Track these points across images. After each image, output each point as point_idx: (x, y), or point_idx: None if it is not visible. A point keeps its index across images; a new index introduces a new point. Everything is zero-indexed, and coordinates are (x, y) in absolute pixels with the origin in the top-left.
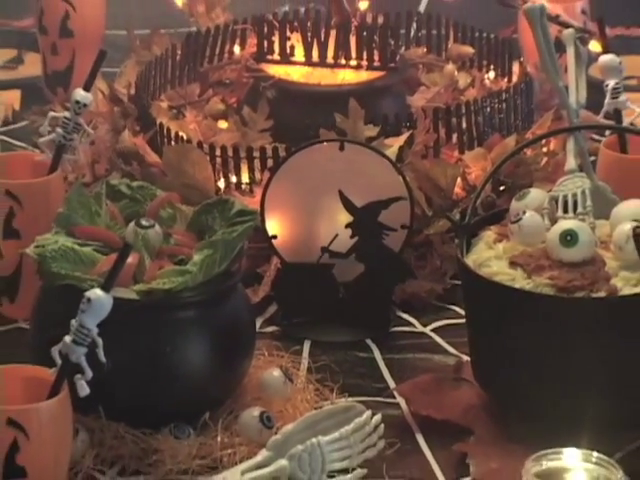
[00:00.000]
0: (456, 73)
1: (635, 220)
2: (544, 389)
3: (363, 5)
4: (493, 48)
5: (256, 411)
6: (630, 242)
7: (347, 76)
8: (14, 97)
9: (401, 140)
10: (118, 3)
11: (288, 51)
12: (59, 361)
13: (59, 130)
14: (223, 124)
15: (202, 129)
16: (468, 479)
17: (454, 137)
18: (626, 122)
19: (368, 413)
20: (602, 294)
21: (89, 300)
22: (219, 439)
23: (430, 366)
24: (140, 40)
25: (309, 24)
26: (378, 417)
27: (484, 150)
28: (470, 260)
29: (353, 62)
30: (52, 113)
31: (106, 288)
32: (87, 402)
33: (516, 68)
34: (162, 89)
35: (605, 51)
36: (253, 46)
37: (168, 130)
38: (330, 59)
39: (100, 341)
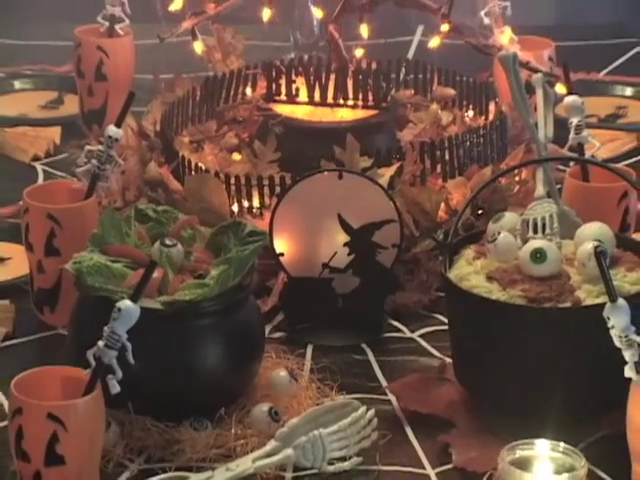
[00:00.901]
0: (440, 112)
1: (596, 240)
2: (517, 387)
3: (359, 53)
4: (472, 90)
5: (265, 406)
6: (592, 259)
7: (345, 114)
8: (55, 133)
9: (392, 170)
10: (145, 51)
11: (293, 92)
12: (93, 363)
13: (94, 161)
14: (237, 156)
15: (218, 161)
16: (450, 466)
17: (438, 167)
18: (587, 154)
19: (363, 408)
20: (568, 304)
21: (120, 310)
22: (233, 431)
23: (417, 367)
24: (165, 83)
25: (312, 69)
26: (372, 412)
27: (464, 179)
28: (452, 275)
29: (350, 102)
30: (88, 147)
31: (134, 299)
32: (117, 398)
33: (492, 107)
34: (184, 126)
35: (569, 93)
36: (263, 88)
37: (189, 161)
38: (330, 99)
39: (129, 345)
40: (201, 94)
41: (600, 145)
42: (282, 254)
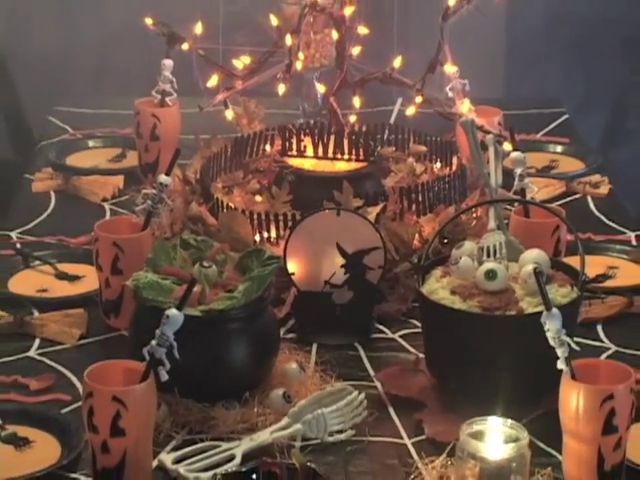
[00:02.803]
0: (414, 164)
1: (535, 263)
2: (475, 376)
3: (352, 118)
4: (439, 147)
5: (280, 391)
6: (532, 277)
7: (342, 166)
8: (119, 180)
9: (378, 209)
10: (189, 117)
11: (302, 149)
12: (147, 357)
13: (149, 202)
14: (259, 198)
15: (244, 201)
16: (423, 437)
17: (413, 207)
18: (528, 197)
19: (356, 393)
20: (513, 313)
21: (168, 316)
22: (255, 410)
23: (397, 361)
24: (203, 142)
25: (316, 131)
26: (362, 395)
27: (433, 215)
28: (424, 289)
29: (346, 156)
30: (144, 191)
31: (179, 308)
32: (166, 384)
33: (455, 161)
34: (218, 175)
35: (514, 149)
36: (279, 146)
37: (222, 202)
38: (330, 154)
39: (175, 344)
40: (231, 150)
41: (538, 190)
42: (293, 273)
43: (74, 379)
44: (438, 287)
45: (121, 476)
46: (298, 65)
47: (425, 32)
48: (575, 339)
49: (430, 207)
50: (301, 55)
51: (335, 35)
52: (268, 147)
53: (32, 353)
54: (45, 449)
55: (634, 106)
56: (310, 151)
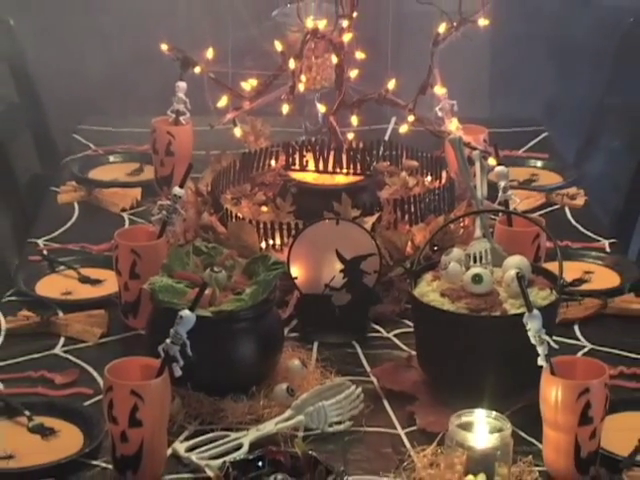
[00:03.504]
0: (407, 177)
1: (517, 268)
2: (462, 372)
3: (350, 136)
4: (430, 162)
5: (284, 385)
6: (514, 281)
7: (340, 179)
8: (137, 193)
9: (374, 218)
10: (200, 134)
11: (304, 164)
12: (162, 354)
13: (164, 212)
14: (264, 209)
15: (251, 212)
16: (415, 428)
17: (406, 217)
18: (511, 208)
19: (353, 387)
20: (498, 313)
21: (181, 317)
22: (261, 403)
23: (391, 357)
24: (214, 157)
25: (317, 147)
26: (359, 389)
27: (424, 225)
28: (416, 292)
29: (344, 170)
30: (160, 202)
31: (192, 309)
32: (179, 379)
33: (444, 174)
34: (227, 187)
35: (498, 164)
36: (283, 161)
37: (231, 212)
38: (330, 169)
39: (187, 342)
40: (239, 165)
41: (519, 201)
42: (296, 277)
43: (95, 374)
44: (429, 290)
45: (138, 463)
46: (300, 87)
47: (417, 57)
48: (554, 338)
49: (421, 217)
50: (303, 78)
51: (334, 59)
52: (273, 162)
53: (57, 350)
54: (69, 438)
55: (607, 125)
56: (312, 166)
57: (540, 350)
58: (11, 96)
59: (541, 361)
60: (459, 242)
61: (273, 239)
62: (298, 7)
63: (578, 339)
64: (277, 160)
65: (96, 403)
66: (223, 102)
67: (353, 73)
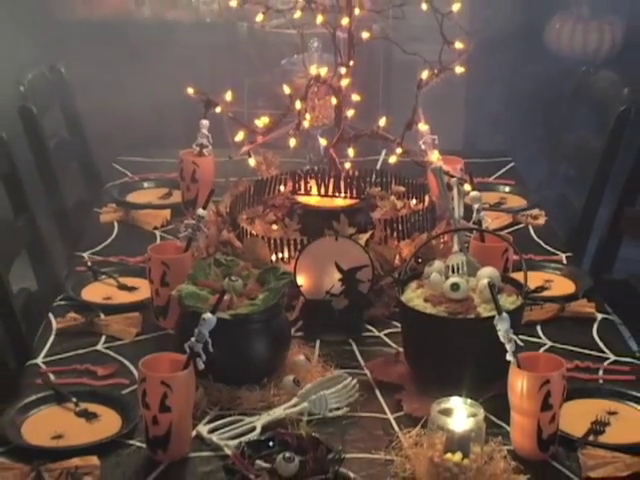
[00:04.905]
0: (395, 201)
1: (489, 277)
2: (442, 366)
3: (347, 165)
4: (415, 188)
5: (291, 377)
6: (487, 289)
7: (339, 202)
8: (167, 213)
9: (367, 235)
10: (221, 164)
11: (308, 189)
12: (188, 351)
13: (189, 230)
14: (275, 227)
15: (264, 230)
16: (402, 413)
17: (395, 234)
18: (484, 226)
19: (350, 378)
20: (472, 316)
21: (204, 319)
22: (272, 392)
23: (382, 353)
24: (232, 184)
25: (319, 175)
26: (355, 381)
27: (410, 241)
28: (403, 298)
29: (342, 195)
30: (186, 221)
31: (213, 312)
32: (202, 372)
33: (427, 198)
34: (243, 209)
35: (473, 189)
36: (290, 186)
37: (246, 230)
38: (330, 193)
39: (209, 340)
40: (253, 190)
41: (490, 221)
42: (301, 285)
43: (131, 367)
44: (414, 296)
45: (167, 443)
46: (305, 124)
47: (404, 99)
48: (520, 337)
49: (407, 234)
50: (308, 116)
51: (334, 101)
52: (282, 187)
53: (99, 347)
54: (109, 421)
55: (563, 157)
56: (314, 191)
57: (508, 347)
58: (62, 132)
59: (509, 356)
60: (440, 255)
61: (282, 253)
62: (303, 57)
63: (540, 338)
64: (285, 186)
65: (132, 392)
66: (240, 137)
67: (350, 112)
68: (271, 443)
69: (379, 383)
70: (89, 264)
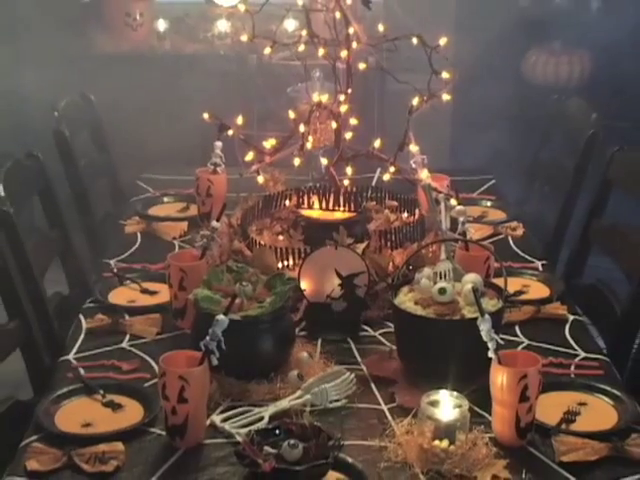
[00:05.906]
0: (389, 214)
1: (473, 283)
2: (431, 362)
3: (346, 182)
4: (406, 203)
5: (295, 372)
6: (471, 293)
7: (338, 215)
8: (184, 225)
9: (364, 245)
10: (233, 181)
11: (311, 203)
12: (203, 348)
13: (205, 240)
14: (281, 237)
15: (271, 240)
16: (395, 404)
17: (388, 244)
18: (468, 237)
19: (348, 373)
20: (457, 317)
21: (217, 320)
22: (278, 385)
23: (377, 351)
24: (242, 199)
25: (321, 191)
26: (353, 375)
27: (402, 250)
28: (396, 301)
29: (341, 209)
30: (201, 232)
31: (226, 314)
32: (216, 367)
33: (417, 212)
34: (253, 221)
35: (458, 204)
36: (295, 201)
37: (255, 240)
38: (330, 207)
39: (222, 339)
40: (262, 204)
41: (474, 232)
42: (305, 290)
43: (153, 363)
44: (406, 299)
45: (185, 431)
46: (308, 145)
47: (396, 123)
48: (500, 336)
49: (400, 244)
50: (310, 138)
51: (334, 125)
52: (287, 202)
53: (124, 345)
54: (133, 411)
55: (539, 175)
56: (317, 205)
57: (490, 345)
58: (92, 153)
59: (491, 354)
60: (428, 263)
61: (287, 261)
62: (306, 85)
63: (518, 337)
64: (290, 200)
65: (153, 385)
66: (249, 157)
67: (348, 135)
68: (277, 431)
69: (374, 377)
70: (115, 270)
